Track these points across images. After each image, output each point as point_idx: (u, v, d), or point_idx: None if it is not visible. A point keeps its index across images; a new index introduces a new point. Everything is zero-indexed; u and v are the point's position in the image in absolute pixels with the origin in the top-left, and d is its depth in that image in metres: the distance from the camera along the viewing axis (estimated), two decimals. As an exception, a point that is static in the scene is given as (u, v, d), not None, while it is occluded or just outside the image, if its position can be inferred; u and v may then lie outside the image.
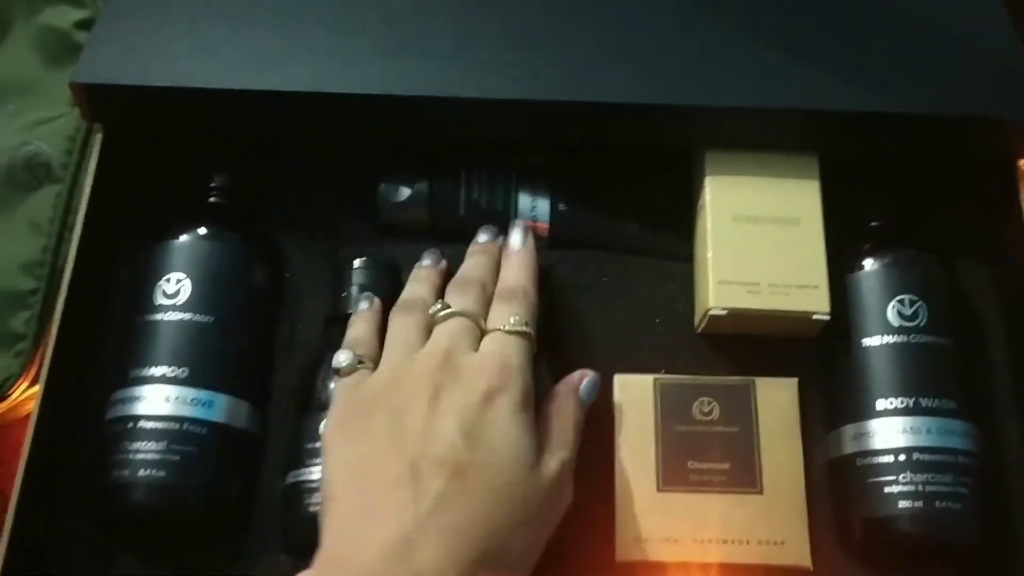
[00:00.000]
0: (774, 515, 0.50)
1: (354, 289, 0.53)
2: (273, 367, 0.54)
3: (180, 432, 0.49)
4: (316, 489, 0.49)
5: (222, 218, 0.55)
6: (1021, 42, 0.56)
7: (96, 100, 0.54)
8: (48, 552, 0.50)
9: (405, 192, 0.56)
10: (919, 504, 0.47)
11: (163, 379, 0.50)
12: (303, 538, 0.48)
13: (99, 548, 0.51)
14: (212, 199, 0.56)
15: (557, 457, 0.45)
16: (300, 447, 0.50)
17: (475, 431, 0.42)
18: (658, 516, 0.49)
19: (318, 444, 0.49)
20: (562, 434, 0.46)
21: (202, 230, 0.53)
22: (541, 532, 0.44)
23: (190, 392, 0.49)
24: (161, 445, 0.48)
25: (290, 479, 0.50)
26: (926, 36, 0.56)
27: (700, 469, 0.51)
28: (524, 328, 0.47)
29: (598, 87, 0.53)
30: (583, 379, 0.49)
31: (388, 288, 0.54)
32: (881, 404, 0.49)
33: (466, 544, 0.39)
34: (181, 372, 0.50)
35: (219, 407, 0.50)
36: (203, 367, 0.50)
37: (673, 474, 0.50)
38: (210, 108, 0.54)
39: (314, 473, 0.49)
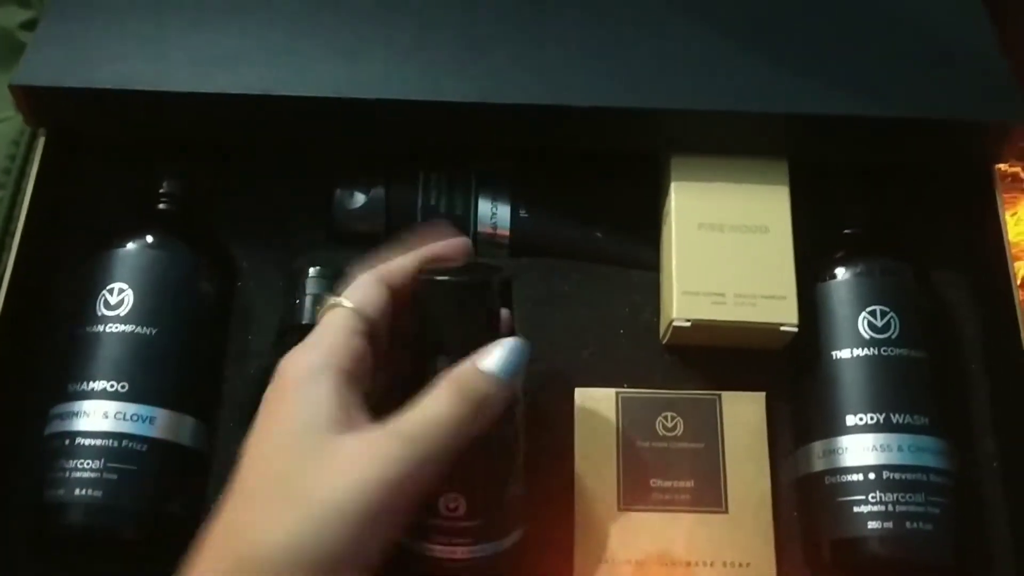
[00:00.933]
0: (740, 536, 0.48)
1: (308, 299, 0.51)
2: (223, 379, 0.53)
3: (119, 449, 0.47)
4: None
5: (169, 226, 0.53)
6: (999, 43, 0.54)
7: (38, 103, 0.53)
8: (-17, 575, 0.48)
9: (361, 198, 0.54)
10: (889, 525, 0.46)
11: (103, 394, 0.47)
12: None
13: (36, 571, 0.49)
14: (160, 206, 0.54)
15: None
16: None
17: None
18: (619, 536, 0.48)
19: None
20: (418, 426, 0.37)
21: (147, 238, 0.51)
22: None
23: (130, 407, 0.47)
24: (98, 463, 0.46)
25: None
26: (901, 37, 0.55)
27: (663, 487, 0.49)
28: (338, 302, 0.40)
29: (561, 89, 0.52)
30: (490, 356, 0.39)
31: (343, 298, 0.52)
32: (851, 420, 0.48)
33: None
34: (121, 387, 0.48)
35: (160, 423, 0.48)
36: (144, 381, 0.48)
37: (635, 492, 0.49)
38: (157, 111, 0.52)
39: None
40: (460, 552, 0.41)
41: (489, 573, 0.42)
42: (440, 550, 0.42)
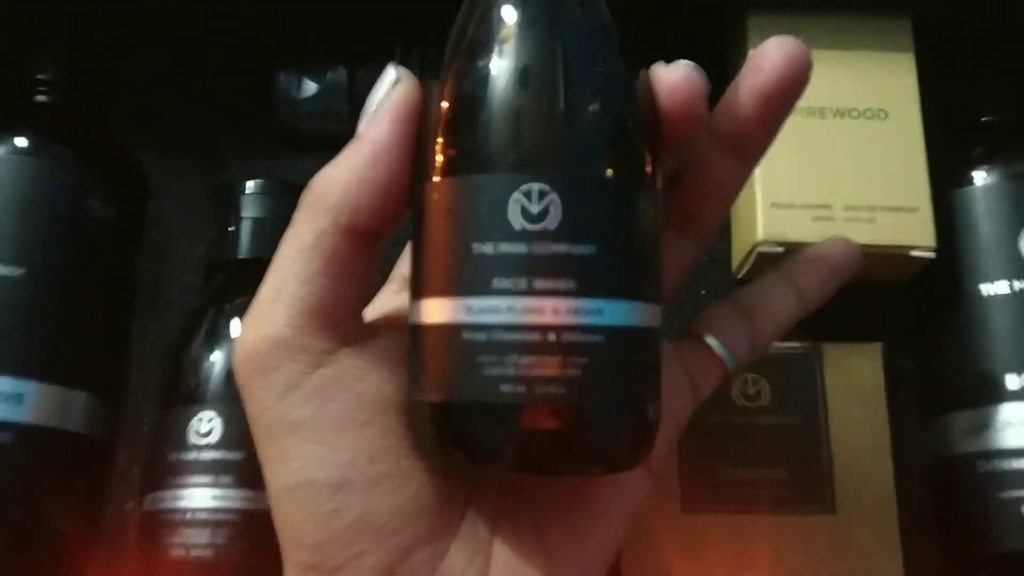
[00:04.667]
0: (853, 545, 0.39)
1: (245, 224, 0.43)
2: (129, 337, 0.45)
3: (-29, 441, 0.38)
4: (186, 523, 0.38)
5: (47, 124, 0.43)
6: None
7: None
8: None
9: (312, 86, 0.46)
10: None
11: (-53, 363, 0.39)
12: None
13: None
14: (37, 97, 0.44)
15: None
16: (162, 458, 0.39)
17: None
18: (683, 548, 0.40)
19: (191, 455, 0.38)
20: None
21: (14, 141, 0.41)
22: None
23: (-14, 381, 0.38)
24: (-57, 462, 0.37)
25: (148, 505, 0.39)
26: None
27: (744, 479, 0.40)
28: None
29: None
30: None
31: (294, 221, 0.43)
32: (1013, 381, 0.39)
33: None
34: (-27, 352, 0.39)
35: (32, 402, 0.39)
36: (9, 344, 0.39)
37: (704, 487, 0.40)
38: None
39: (183, 499, 0.38)
40: (552, 310, 0.23)
41: (607, 372, 0.24)
42: (504, 307, 0.23)
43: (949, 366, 0.41)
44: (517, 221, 0.23)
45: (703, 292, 0.44)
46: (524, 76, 0.24)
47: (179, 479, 0.38)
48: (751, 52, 0.41)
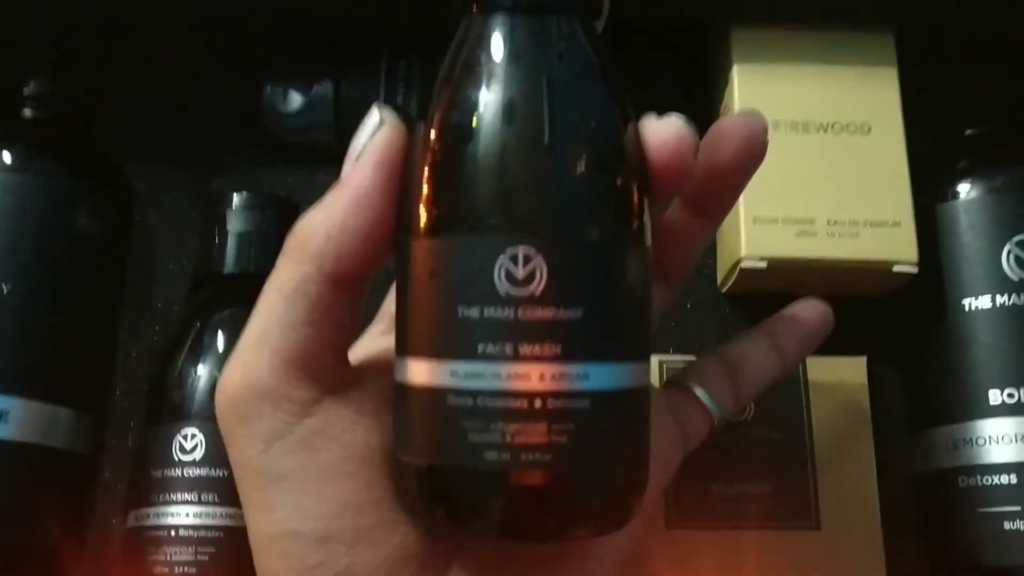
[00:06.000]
0: (837, 560, 0.39)
1: (231, 237, 0.42)
2: (115, 351, 0.44)
3: (-41, 459, 0.37)
4: (170, 540, 0.37)
5: (35, 138, 0.43)
6: None
7: None
8: None
9: (298, 98, 0.45)
10: (1061, 551, 0.36)
11: (-68, 381, 0.38)
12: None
13: None
14: (24, 112, 0.43)
15: None
16: (147, 474, 0.38)
17: None
18: (668, 565, 0.39)
19: (175, 472, 0.38)
20: None
21: (4, 156, 0.41)
22: None
23: (-29, 398, 0.38)
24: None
25: (132, 521, 0.38)
26: None
27: (729, 495, 0.40)
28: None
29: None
30: None
31: (281, 234, 0.42)
32: (995, 396, 0.38)
33: None
34: (-41, 368, 0.38)
35: (17, 418, 0.38)
36: (-6, 361, 0.38)
37: (689, 503, 0.39)
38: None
39: (168, 516, 0.37)
40: (538, 375, 0.23)
41: (592, 435, 0.24)
42: (490, 373, 0.23)
43: (932, 381, 0.41)
44: (502, 286, 0.22)
45: (688, 305, 0.44)
46: (511, 137, 0.23)
47: (163, 496, 0.38)
48: (734, 69, 0.41)
